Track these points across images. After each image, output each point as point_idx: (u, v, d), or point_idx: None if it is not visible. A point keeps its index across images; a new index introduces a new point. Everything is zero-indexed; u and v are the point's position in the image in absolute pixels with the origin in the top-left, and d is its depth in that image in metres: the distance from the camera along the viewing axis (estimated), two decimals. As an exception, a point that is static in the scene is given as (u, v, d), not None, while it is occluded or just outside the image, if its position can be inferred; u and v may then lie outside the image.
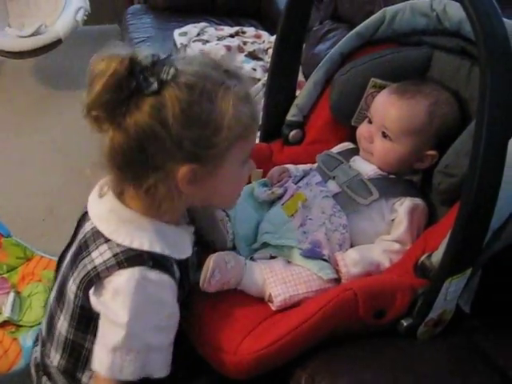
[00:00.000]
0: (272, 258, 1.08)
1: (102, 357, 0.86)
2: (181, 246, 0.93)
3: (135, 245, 0.86)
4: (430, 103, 1.13)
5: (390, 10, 1.25)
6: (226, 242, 1.10)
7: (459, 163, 1.01)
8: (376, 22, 1.26)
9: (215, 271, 0.98)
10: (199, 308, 1.01)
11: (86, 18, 2.99)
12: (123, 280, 0.84)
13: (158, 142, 0.81)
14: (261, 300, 1.03)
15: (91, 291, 0.87)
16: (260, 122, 0.94)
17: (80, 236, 0.94)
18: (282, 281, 1.00)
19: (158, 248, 0.87)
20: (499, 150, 0.83)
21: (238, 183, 0.96)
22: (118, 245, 0.86)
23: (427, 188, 1.16)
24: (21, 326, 1.55)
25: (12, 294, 1.59)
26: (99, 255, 0.87)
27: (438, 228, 1.04)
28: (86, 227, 0.93)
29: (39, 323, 1.56)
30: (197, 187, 0.87)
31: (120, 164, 0.84)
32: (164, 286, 0.87)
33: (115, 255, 0.85)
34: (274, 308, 1.00)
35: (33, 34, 2.79)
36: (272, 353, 0.92)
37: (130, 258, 0.85)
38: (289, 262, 1.05)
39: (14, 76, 3.26)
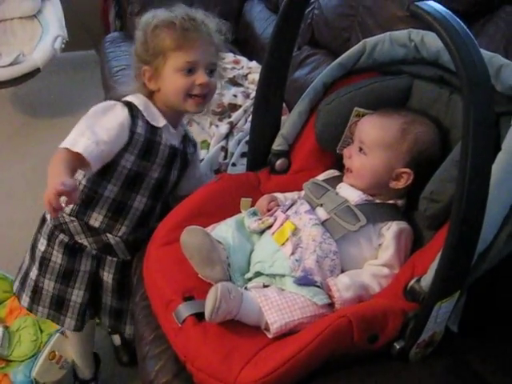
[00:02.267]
0: (265, 286, 1.09)
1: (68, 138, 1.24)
2: (155, 118, 1.35)
3: (126, 98, 1.36)
4: (404, 121, 1.18)
5: (369, 41, 1.29)
6: (226, 277, 1.11)
7: (444, 189, 1.04)
8: (357, 53, 1.30)
9: (222, 302, 0.99)
10: (195, 337, 1.02)
11: (63, 46, 3.01)
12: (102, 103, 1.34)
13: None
14: (257, 329, 1.04)
15: None
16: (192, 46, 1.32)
17: None
18: (278, 308, 1.02)
19: (136, 101, 1.34)
20: (484, 177, 0.86)
21: (173, 85, 1.33)
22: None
23: (412, 212, 1.19)
24: (11, 361, 1.55)
25: (0, 329, 1.59)
26: None
27: (426, 252, 1.07)
28: None
29: (29, 357, 1.56)
30: (155, 82, 1.35)
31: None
32: (123, 114, 1.30)
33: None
34: (270, 336, 1.02)
35: (11, 64, 2.79)
36: (271, 381, 0.93)
37: (118, 100, 1.35)
38: (282, 290, 1.07)
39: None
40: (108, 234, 1.38)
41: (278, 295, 1.04)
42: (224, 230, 1.20)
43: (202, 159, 1.82)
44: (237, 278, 1.14)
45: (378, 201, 1.19)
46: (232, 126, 1.98)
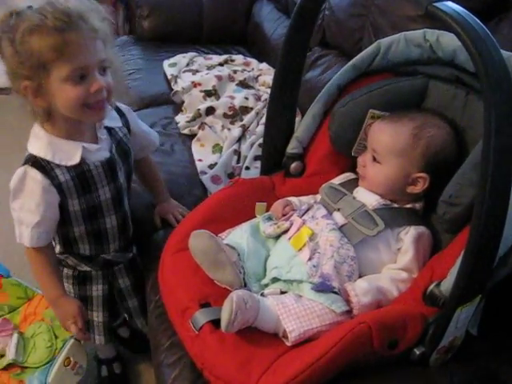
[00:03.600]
0: (282, 293, 1.08)
1: None
2: (68, 156, 1.21)
3: (29, 150, 1.21)
4: (415, 126, 1.16)
5: (384, 41, 1.27)
6: (240, 282, 1.11)
7: (463, 193, 1.03)
8: (371, 54, 1.28)
9: (238, 313, 0.98)
10: (212, 344, 1.02)
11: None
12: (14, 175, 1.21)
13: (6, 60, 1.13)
14: (275, 336, 1.04)
15: None
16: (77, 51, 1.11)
17: None
18: (296, 316, 1.01)
19: (41, 153, 1.19)
20: (506, 180, 0.85)
21: (65, 98, 1.13)
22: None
23: (430, 215, 1.18)
24: (26, 367, 1.54)
25: (15, 336, 1.58)
26: None
27: (444, 256, 1.06)
28: None
29: (44, 364, 1.55)
30: (42, 99, 1.14)
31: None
32: (36, 182, 1.19)
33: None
34: (289, 344, 1.01)
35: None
36: (291, 389, 0.92)
37: (25, 159, 1.21)
38: (300, 297, 1.06)
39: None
40: (102, 255, 1.41)
41: (295, 302, 1.04)
42: (238, 236, 1.19)
43: (216, 163, 1.81)
44: (252, 283, 1.13)
45: (395, 205, 1.18)
46: (244, 128, 1.98)
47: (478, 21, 0.84)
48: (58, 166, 1.20)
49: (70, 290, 1.44)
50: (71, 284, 1.44)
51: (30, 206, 1.21)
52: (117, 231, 1.39)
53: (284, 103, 1.32)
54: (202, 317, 1.05)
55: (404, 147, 1.15)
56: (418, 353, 1.00)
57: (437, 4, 0.84)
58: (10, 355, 1.51)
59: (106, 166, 1.28)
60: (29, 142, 1.22)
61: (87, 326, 1.42)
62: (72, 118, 1.19)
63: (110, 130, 1.32)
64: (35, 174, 1.19)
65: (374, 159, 1.19)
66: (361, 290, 1.05)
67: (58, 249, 1.40)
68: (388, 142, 1.17)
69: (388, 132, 1.17)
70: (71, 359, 1.55)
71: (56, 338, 1.60)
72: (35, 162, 1.19)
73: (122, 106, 1.40)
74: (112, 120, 1.33)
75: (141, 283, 1.49)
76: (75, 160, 1.22)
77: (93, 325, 1.47)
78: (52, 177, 1.20)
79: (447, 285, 0.96)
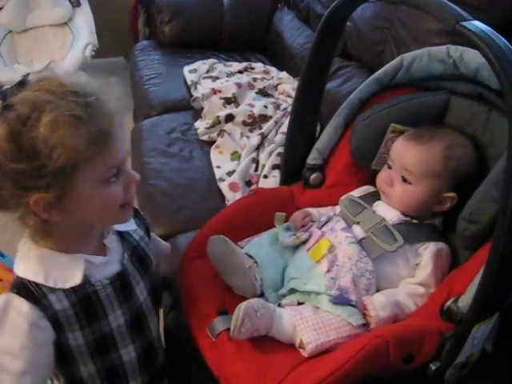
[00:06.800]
0: (300, 304, 1.09)
1: None
2: (67, 274, 0.92)
3: (16, 272, 0.91)
4: (444, 146, 1.15)
5: (407, 56, 1.28)
6: (254, 288, 1.11)
7: (484, 210, 1.03)
8: (394, 69, 1.29)
9: (245, 320, 0.99)
10: (229, 352, 1.02)
11: (93, 53, 3.04)
12: None
13: None
14: (291, 346, 1.04)
15: None
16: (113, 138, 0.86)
17: None
18: (313, 327, 1.01)
19: (30, 275, 0.89)
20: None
21: (104, 202, 0.89)
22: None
23: (449, 231, 1.18)
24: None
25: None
26: None
27: (463, 272, 1.06)
28: None
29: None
30: (59, 213, 0.86)
31: None
32: (22, 314, 0.88)
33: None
34: (305, 355, 1.01)
35: (42, 71, 2.81)
36: (307, 401, 0.92)
37: (12, 285, 0.91)
38: (317, 308, 1.06)
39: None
40: None
41: (313, 314, 1.04)
42: (257, 245, 1.20)
43: (234, 171, 1.82)
44: (269, 293, 1.14)
45: (415, 221, 1.18)
46: (263, 137, 1.99)
47: (505, 40, 0.85)
48: (53, 290, 0.90)
49: None
50: None
51: (13, 348, 0.89)
52: (137, 365, 1.06)
53: (306, 114, 1.33)
54: (219, 324, 1.06)
55: (437, 169, 1.15)
56: (433, 368, 0.99)
57: (464, 23, 0.85)
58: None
59: (117, 284, 0.98)
60: (16, 261, 0.93)
61: None
62: (88, 227, 0.95)
63: (120, 234, 1.04)
64: (21, 305, 0.88)
65: (404, 180, 1.18)
66: (379, 304, 1.06)
67: None
68: (421, 164, 1.16)
69: (420, 154, 1.16)
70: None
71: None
72: (22, 288, 0.89)
73: None
74: (128, 230, 1.06)
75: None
76: (75, 280, 0.92)
77: None
78: (44, 306, 0.89)
79: (465, 301, 0.96)
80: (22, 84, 0.83)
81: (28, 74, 0.85)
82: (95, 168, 0.85)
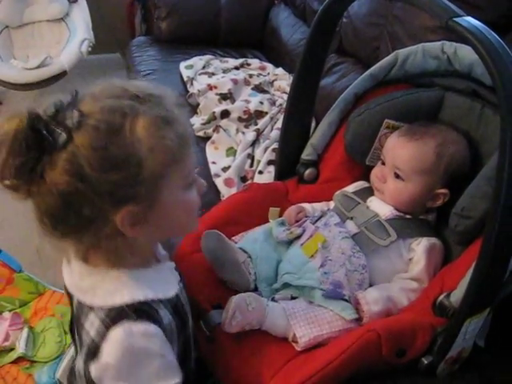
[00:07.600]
0: (293, 298, 1.10)
1: None
2: (164, 284, 0.88)
3: (116, 301, 0.81)
4: (437, 144, 1.16)
5: (402, 52, 1.28)
6: (248, 283, 1.12)
7: (475, 206, 1.04)
8: (389, 64, 1.29)
9: (236, 313, 1.00)
10: (224, 345, 1.03)
11: (90, 49, 3.03)
12: (109, 349, 0.79)
13: (82, 196, 0.74)
14: (284, 340, 1.05)
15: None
16: (191, 142, 0.84)
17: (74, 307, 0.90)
18: (306, 322, 1.02)
19: (140, 296, 0.82)
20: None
21: (187, 209, 0.87)
22: (101, 308, 0.81)
23: (442, 227, 1.19)
24: (35, 361, 1.55)
25: (26, 330, 1.59)
26: (90, 326, 0.82)
27: (455, 267, 1.06)
28: (74, 297, 0.88)
29: (54, 359, 1.56)
30: (144, 226, 0.80)
31: (53, 224, 0.78)
32: (151, 336, 0.81)
33: (102, 321, 0.80)
34: (298, 348, 1.02)
35: (38, 66, 2.81)
36: (300, 394, 0.93)
37: (115, 317, 0.80)
38: (310, 303, 1.07)
39: (18, 105, 3.29)
40: None
41: (306, 308, 1.05)
42: (251, 240, 1.20)
43: (229, 166, 1.83)
44: (263, 288, 1.14)
45: (408, 216, 1.19)
46: (258, 133, 1.99)
47: (497, 36, 0.85)
48: (159, 305, 0.84)
49: None
50: None
51: (151, 376, 0.82)
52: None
53: (301, 110, 1.33)
54: (213, 318, 1.06)
55: (429, 166, 1.16)
56: (425, 362, 1.00)
57: (457, 19, 0.86)
58: (20, 349, 1.53)
59: (181, 285, 0.96)
60: (103, 295, 0.82)
61: None
62: (158, 239, 0.93)
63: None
64: (146, 328, 0.80)
65: (397, 176, 1.19)
66: (372, 299, 1.06)
67: None
68: (413, 161, 1.16)
69: (412, 151, 1.17)
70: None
71: (66, 333, 1.61)
72: (137, 312, 0.80)
73: None
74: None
75: None
76: (174, 289, 0.90)
77: None
78: (162, 322, 0.83)
79: (457, 296, 0.97)
80: (74, 99, 0.77)
81: (75, 91, 0.79)
82: (181, 172, 0.82)
